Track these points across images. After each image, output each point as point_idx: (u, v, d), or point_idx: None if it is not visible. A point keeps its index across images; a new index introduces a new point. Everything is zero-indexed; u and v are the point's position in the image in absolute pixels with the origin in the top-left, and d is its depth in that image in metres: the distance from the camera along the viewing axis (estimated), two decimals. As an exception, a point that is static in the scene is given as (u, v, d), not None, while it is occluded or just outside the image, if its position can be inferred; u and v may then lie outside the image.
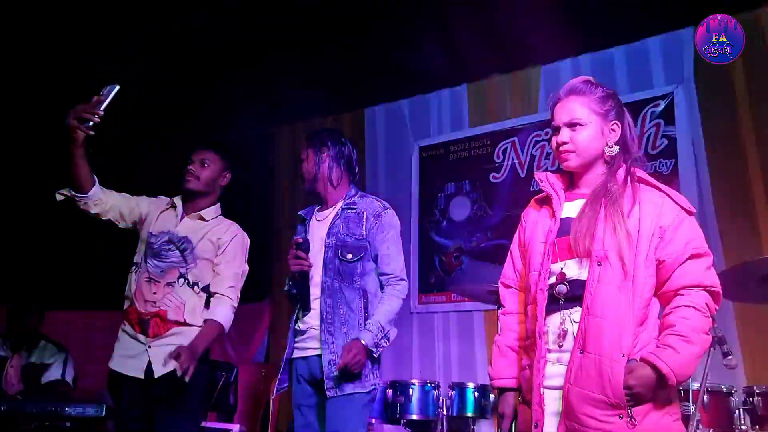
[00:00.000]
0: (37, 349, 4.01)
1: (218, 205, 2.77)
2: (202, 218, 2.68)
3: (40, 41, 4.60)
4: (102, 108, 2.29)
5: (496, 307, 3.49)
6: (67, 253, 5.50)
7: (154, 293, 2.52)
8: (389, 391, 3.53)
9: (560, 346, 1.73)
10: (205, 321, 2.55)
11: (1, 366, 3.91)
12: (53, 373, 3.97)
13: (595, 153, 1.81)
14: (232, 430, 3.72)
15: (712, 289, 1.69)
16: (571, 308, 1.72)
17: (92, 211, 2.56)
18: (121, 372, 2.49)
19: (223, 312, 2.58)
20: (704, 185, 3.86)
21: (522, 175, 4.50)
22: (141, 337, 2.50)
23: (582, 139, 1.79)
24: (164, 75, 4.88)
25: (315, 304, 2.46)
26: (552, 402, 1.72)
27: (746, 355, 3.48)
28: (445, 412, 3.50)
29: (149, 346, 2.47)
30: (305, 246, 2.47)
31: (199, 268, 2.60)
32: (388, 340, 2.43)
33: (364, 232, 2.48)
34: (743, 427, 2.91)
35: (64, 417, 3.40)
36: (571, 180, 1.89)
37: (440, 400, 3.52)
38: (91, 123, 2.30)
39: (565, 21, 4.04)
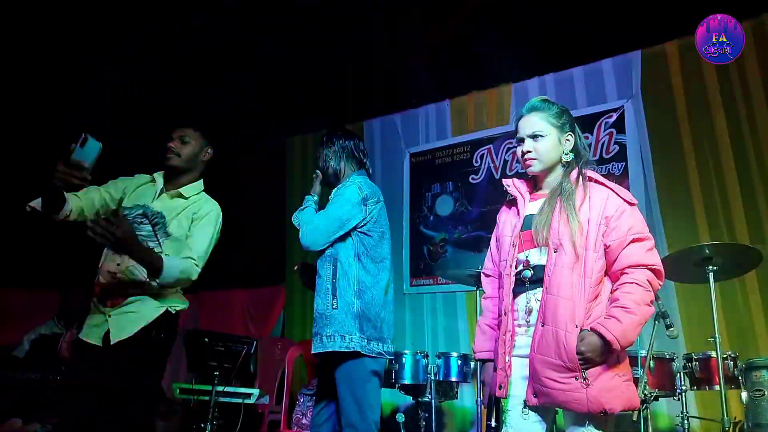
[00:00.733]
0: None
1: (200, 181, 2.42)
2: (181, 195, 2.33)
3: (40, 41, 4.18)
4: (88, 172, 1.90)
5: (475, 289, 3.50)
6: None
7: (118, 265, 2.17)
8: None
9: (527, 322, 1.74)
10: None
11: (57, 341, 3.90)
12: None
13: (554, 159, 1.82)
14: (252, 393, 3.71)
15: (654, 267, 1.70)
16: (535, 289, 1.74)
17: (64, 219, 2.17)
18: (84, 339, 2.16)
19: (173, 262, 2.15)
20: (650, 184, 3.85)
21: (497, 177, 4.49)
22: (101, 307, 2.17)
23: (543, 147, 1.81)
24: (165, 75, 4.48)
25: None
26: (520, 368, 1.73)
27: (686, 327, 3.49)
28: (433, 378, 3.49)
29: (109, 315, 2.13)
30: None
31: (168, 246, 2.23)
32: None
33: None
34: (683, 388, 2.92)
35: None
36: (535, 183, 1.90)
37: (429, 367, 3.51)
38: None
39: (532, 46, 4.04)
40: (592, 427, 1.65)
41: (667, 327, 2.69)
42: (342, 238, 2.32)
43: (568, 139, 1.83)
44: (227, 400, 3.47)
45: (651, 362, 2.81)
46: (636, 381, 2.42)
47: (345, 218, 2.31)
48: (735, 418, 2.63)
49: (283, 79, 4.74)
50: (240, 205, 5.27)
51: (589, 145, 4.04)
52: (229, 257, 5.47)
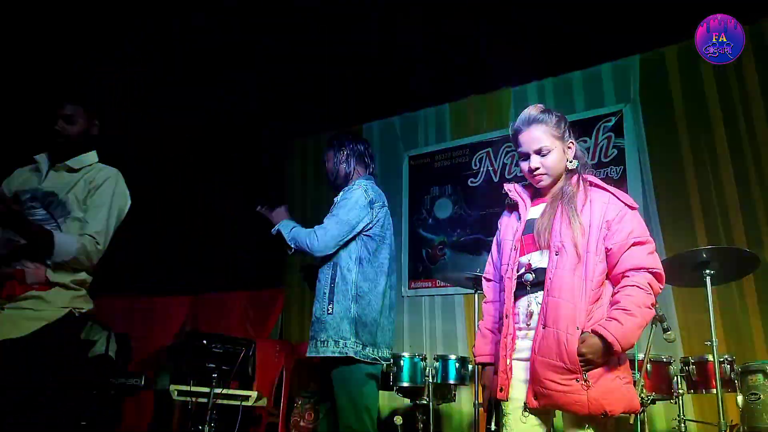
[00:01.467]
0: (85, 328, 3.99)
1: (93, 152, 2.21)
2: (71, 169, 2.13)
3: (40, 41, 4.15)
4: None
5: (473, 292, 3.51)
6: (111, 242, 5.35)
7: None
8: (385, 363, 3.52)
9: (528, 324, 1.75)
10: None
11: None
12: (98, 349, 3.96)
13: (561, 170, 1.84)
14: (250, 396, 3.71)
15: (654, 270, 1.71)
16: (536, 292, 1.75)
17: None
18: None
19: (67, 238, 1.97)
20: (648, 188, 3.86)
21: (495, 180, 4.49)
22: None
23: (551, 162, 1.81)
24: (165, 75, 4.44)
25: None
26: (521, 371, 1.73)
27: (683, 330, 3.49)
28: (431, 380, 3.50)
29: (2, 308, 1.93)
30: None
31: (69, 226, 2.03)
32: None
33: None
34: (680, 391, 2.93)
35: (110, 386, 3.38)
36: (536, 188, 1.90)
37: (427, 370, 3.52)
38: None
39: (531, 50, 4.06)
40: (592, 429, 1.65)
41: (665, 330, 2.71)
42: (346, 243, 2.33)
43: (570, 147, 1.84)
44: (225, 402, 3.47)
45: (648, 365, 2.83)
46: (633, 384, 2.44)
47: (354, 222, 2.32)
48: (731, 422, 2.64)
49: (282, 81, 4.74)
50: (240, 207, 5.30)
51: (588, 149, 4.06)
52: (228, 259, 5.52)
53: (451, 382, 3.50)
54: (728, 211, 3.56)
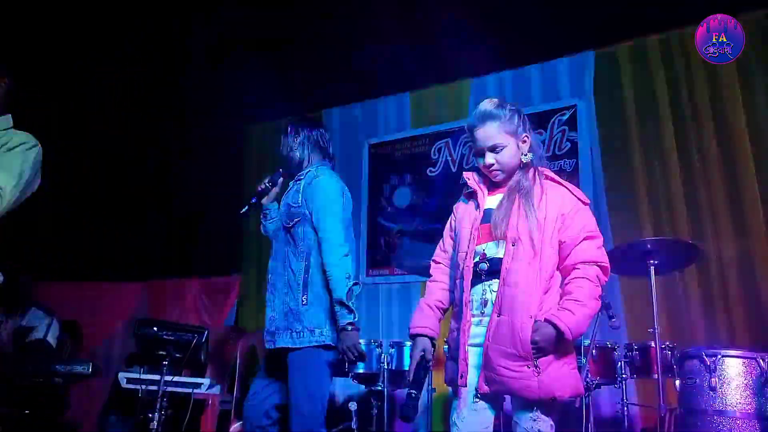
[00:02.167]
0: (28, 314, 3.84)
1: (8, 116, 2.05)
2: None
3: (40, 41, 4.12)
4: None
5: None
6: (59, 227, 5.19)
7: None
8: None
9: (482, 312, 1.78)
10: None
11: None
12: (36, 335, 3.79)
13: (516, 164, 1.86)
14: (203, 383, 3.65)
15: (602, 264, 1.77)
16: (491, 281, 1.78)
17: None
18: None
19: None
20: (598, 181, 3.96)
21: (453, 170, 4.54)
22: None
23: (505, 158, 1.84)
24: (164, 75, 4.46)
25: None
26: (474, 357, 1.77)
27: (628, 317, 3.60)
28: (386, 366, 3.52)
29: None
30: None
31: None
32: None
33: (300, 199, 2.32)
34: (624, 376, 3.03)
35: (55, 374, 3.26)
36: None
37: (382, 357, 3.54)
38: None
39: (491, 43, 4.09)
40: (540, 412, 1.70)
41: (610, 318, 2.81)
42: (310, 234, 2.29)
43: (525, 141, 1.86)
44: (176, 389, 3.40)
45: (594, 351, 2.92)
46: (579, 369, 2.52)
47: (348, 217, 2.34)
48: (671, 405, 2.76)
49: (240, 65, 4.64)
50: (194, 192, 5.17)
51: (543, 142, 4.14)
52: (182, 246, 5.39)
53: (406, 368, 3.52)
54: (674, 204, 3.69)
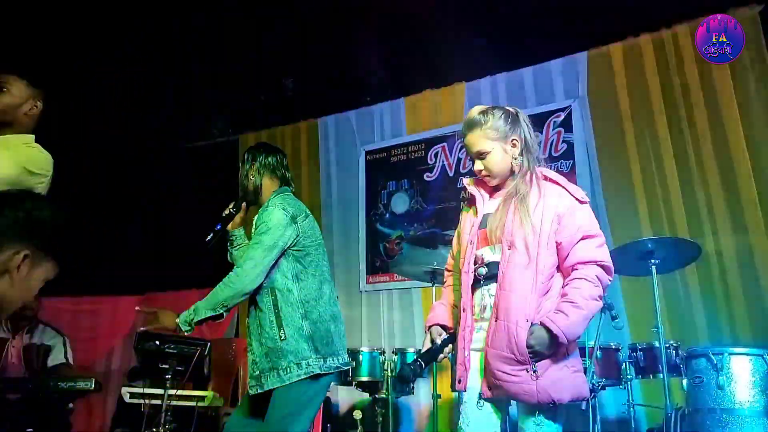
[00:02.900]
0: (36, 332, 3.77)
1: (31, 137, 1.99)
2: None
3: (40, 41, 4.07)
4: None
5: (431, 285, 3.53)
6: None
7: None
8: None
9: (482, 317, 1.78)
10: None
11: (2, 346, 3.65)
12: (57, 357, 3.72)
13: (506, 168, 1.85)
14: (206, 396, 3.63)
15: (603, 263, 1.75)
16: (489, 285, 1.78)
17: None
18: None
19: None
20: (596, 181, 3.97)
21: (450, 175, 4.54)
22: None
23: (491, 164, 1.84)
24: (165, 75, 4.43)
25: None
26: (477, 361, 1.77)
27: (630, 318, 3.60)
28: (389, 374, 3.51)
29: None
30: None
31: None
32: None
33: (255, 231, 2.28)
34: (629, 376, 3.02)
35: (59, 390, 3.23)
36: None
37: (385, 364, 3.53)
38: None
39: (485, 46, 4.11)
40: (542, 417, 1.69)
41: (613, 318, 2.80)
42: (275, 265, 2.23)
43: (514, 144, 1.84)
44: (180, 403, 3.38)
45: (598, 352, 2.91)
46: (583, 371, 2.51)
47: (282, 243, 2.21)
48: (677, 404, 2.75)
49: (235, 74, 4.65)
50: (191, 203, 5.16)
51: (540, 143, 4.15)
52: (180, 258, 5.37)
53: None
54: (672, 202, 3.70)
